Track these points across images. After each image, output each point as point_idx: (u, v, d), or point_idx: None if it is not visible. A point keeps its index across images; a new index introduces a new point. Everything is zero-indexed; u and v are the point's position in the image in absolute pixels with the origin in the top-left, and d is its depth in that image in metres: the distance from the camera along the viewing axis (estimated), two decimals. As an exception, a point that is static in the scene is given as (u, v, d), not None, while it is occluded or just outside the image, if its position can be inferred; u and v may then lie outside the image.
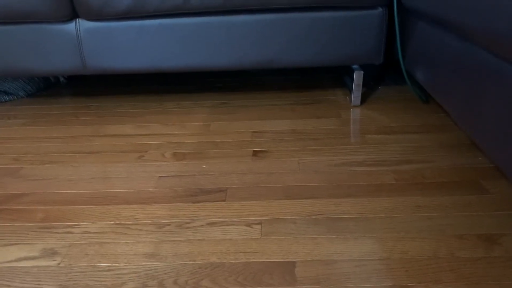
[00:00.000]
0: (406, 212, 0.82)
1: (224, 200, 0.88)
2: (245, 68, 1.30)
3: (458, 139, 1.09)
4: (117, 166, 1.04)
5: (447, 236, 0.75)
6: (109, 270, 0.70)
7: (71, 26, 1.23)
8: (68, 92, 1.60)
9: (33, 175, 1.01)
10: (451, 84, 0.90)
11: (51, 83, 1.66)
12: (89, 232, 0.80)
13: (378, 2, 1.18)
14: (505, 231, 0.75)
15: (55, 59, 1.26)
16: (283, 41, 1.23)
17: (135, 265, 0.71)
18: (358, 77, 1.28)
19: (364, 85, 1.31)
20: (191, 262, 0.71)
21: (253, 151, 1.08)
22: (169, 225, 0.81)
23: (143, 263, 0.71)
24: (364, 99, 1.37)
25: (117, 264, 0.71)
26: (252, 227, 0.79)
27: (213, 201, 0.88)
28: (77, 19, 1.22)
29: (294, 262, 0.70)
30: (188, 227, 0.80)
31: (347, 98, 1.39)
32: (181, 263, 0.71)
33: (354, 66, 1.31)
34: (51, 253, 0.75)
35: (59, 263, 0.72)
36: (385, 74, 1.60)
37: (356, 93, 1.31)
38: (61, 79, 1.69)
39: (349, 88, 1.37)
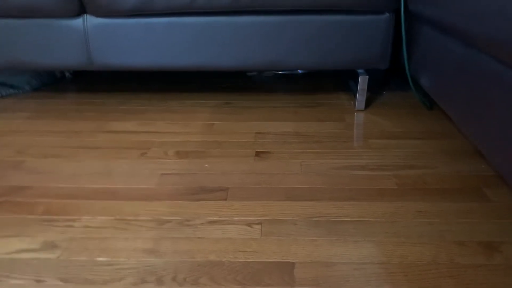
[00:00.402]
0: (407, 217, 0.81)
1: (225, 199, 0.88)
2: (250, 69, 1.30)
3: (461, 146, 1.09)
4: (119, 162, 1.04)
5: (447, 242, 0.74)
6: (108, 265, 0.70)
7: (78, 22, 1.23)
8: (73, 88, 1.61)
9: (36, 168, 1.02)
10: (455, 90, 0.90)
11: (57, 78, 1.66)
12: (90, 227, 0.80)
13: (386, 7, 1.18)
14: (506, 238, 0.75)
15: (62, 54, 1.26)
16: (289, 44, 1.23)
17: (134, 261, 0.71)
18: (363, 81, 1.28)
19: (368, 90, 1.31)
20: (190, 260, 0.71)
21: (256, 151, 1.08)
22: (169, 222, 0.81)
23: (143, 259, 0.71)
24: (368, 104, 1.36)
25: (116, 259, 0.71)
26: (252, 227, 0.79)
27: (214, 200, 0.88)
28: (85, 15, 1.23)
29: (293, 263, 0.70)
30: (188, 225, 0.80)
31: (351, 102, 1.39)
32: (180, 260, 0.71)
33: (359, 71, 1.31)
34: (51, 246, 0.75)
35: (58, 256, 0.72)
36: (390, 79, 1.60)
37: (361, 98, 1.31)
38: (67, 74, 1.70)
39: (353, 92, 1.37)
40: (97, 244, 0.75)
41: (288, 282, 0.66)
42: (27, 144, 1.14)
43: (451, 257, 0.71)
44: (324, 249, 0.73)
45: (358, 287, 0.65)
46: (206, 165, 1.02)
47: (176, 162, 1.03)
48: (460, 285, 0.65)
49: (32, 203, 0.88)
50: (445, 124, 1.22)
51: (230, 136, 1.17)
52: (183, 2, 1.17)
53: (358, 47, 1.23)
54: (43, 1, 1.19)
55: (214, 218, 0.82)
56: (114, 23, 1.22)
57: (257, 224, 0.80)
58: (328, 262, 0.70)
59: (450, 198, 0.87)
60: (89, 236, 0.77)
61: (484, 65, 0.76)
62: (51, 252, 0.74)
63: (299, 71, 1.70)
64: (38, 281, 0.67)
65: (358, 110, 1.33)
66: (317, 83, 1.60)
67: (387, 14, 1.19)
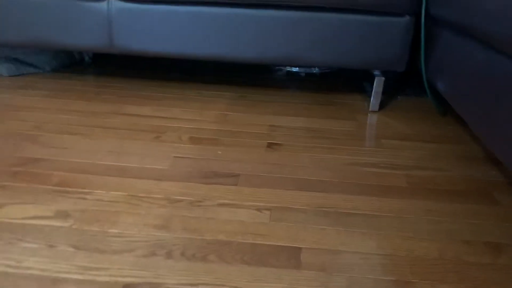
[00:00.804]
0: (416, 214, 0.82)
1: (236, 185, 0.89)
2: (268, 63, 1.31)
3: (473, 152, 1.09)
4: (134, 143, 1.05)
5: (454, 240, 0.75)
6: (119, 237, 0.72)
7: (103, 5, 1.25)
8: (92, 71, 1.63)
9: (52, 143, 1.04)
10: (473, 94, 0.91)
11: (76, 60, 1.69)
12: (102, 200, 0.82)
13: (407, 10, 1.19)
14: (513, 241, 0.75)
15: (84, 35, 1.28)
16: (308, 40, 1.24)
17: (145, 234, 0.72)
18: (378, 83, 1.29)
19: (383, 93, 1.32)
20: (199, 238, 0.72)
21: (268, 143, 1.09)
22: (181, 201, 0.82)
23: (153, 233, 0.73)
24: (382, 106, 1.37)
25: (127, 232, 0.73)
26: (261, 212, 0.80)
27: (225, 185, 0.89)
28: (110, -1, 1.25)
29: (300, 248, 0.71)
30: (199, 205, 0.81)
31: (365, 103, 1.40)
32: (189, 237, 0.72)
33: (376, 72, 1.32)
34: (64, 215, 0.77)
35: (71, 225, 0.74)
36: (404, 84, 1.60)
37: (375, 99, 1.32)
38: (86, 58, 1.72)
39: (368, 93, 1.38)
40: (108, 216, 0.77)
41: (294, 265, 0.67)
42: (44, 120, 1.16)
43: (458, 255, 0.71)
44: (332, 238, 0.74)
45: (363, 275, 0.66)
46: (219, 152, 1.03)
47: (190, 147, 1.05)
48: (464, 280, 0.65)
49: (47, 175, 0.90)
50: (458, 130, 1.22)
51: (244, 127, 1.18)
52: (207, -8, 1.19)
53: (376, 48, 1.23)
54: (70, -18, 1.22)
55: (225, 201, 0.83)
56: (138, 8, 1.24)
57: (267, 210, 0.81)
58: (335, 250, 0.71)
59: (460, 200, 0.87)
60: (101, 209, 0.79)
61: (506, 69, 0.76)
62: (64, 220, 0.75)
63: (316, 70, 1.71)
64: (50, 246, 0.69)
65: (371, 111, 1.33)
66: (332, 83, 1.61)
67: (407, 17, 1.20)
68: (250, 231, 0.75)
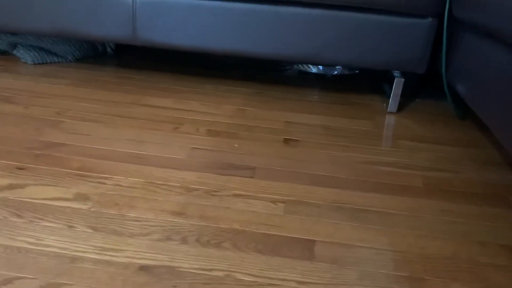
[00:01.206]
0: (431, 214, 0.82)
1: (252, 177, 0.90)
2: (287, 60, 1.32)
3: (491, 156, 1.08)
4: (153, 133, 1.07)
5: (469, 241, 0.75)
6: (136, 221, 0.73)
7: (128, -3, 1.28)
8: (114, 63, 1.66)
9: (73, 129, 1.06)
10: (496, 97, 0.90)
11: (99, 52, 1.72)
12: (121, 185, 0.83)
13: (430, 12, 1.19)
14: (529, 245, 0.74)
15: (109, 26, 1.31)
16: (329, 38, 1.25)
17: (161, 220, 0.74)
18: (398, 84, 1.29)
19: (402, 95, 1.31)
20: (214, 225, 0.73)
21: (284, 138, 1.10)
22: (197, 190, 0.83)
23: (169, 219, 0.74)
24: (400, 108, 1.37)
25: (144, 217, 0.74)
26: (276, 204, 0.81)
27: (241, 176, 0.90)
28: (134, -9, 1.27)
29: (314, 241, 0.72)
30: (215, 195, 0.82)
31: (384, 104, 1.39)
32: (205, 225, 0.73)
33: (395, 74, 1.32)
34: (83, 198, 0.79)
35: (90, 208, 0.76)
36: (424, 87, 1.60)
37: (394, 100, 1.32)
38: (108, 49, 1.75)
39: (387, 95, 1.37)
40: (127, 201, 0.78)
41: (307, 256, 0.68)
42: (67, 108, 1.19)
43: (472, 255, 0.71)
44: (346, 233, 0.74)
45: (375, 269, 0.66)
46: (236, 145, 1.04)
47: (207, 139, 1.06)
48: (478, 280, 0.65)
49: (68, 159, 0.92)
50: (477, 134, 1.22)
51: (261, 122, 1.19)
52: (230, -12, 1.20)
53: (397, 49, 1.23)
54: (97, -27, 1.24)
55: (240, 192, 0.84)
56: (162, 1, 1.26)
57: (282, 202, 0.82)
58: (349, 244, 0.71)
59: (475, 202, 0.87)
60: (120, 194, 0.81)
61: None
62: (83, 203, 0.77)
63: (335, 72, 1.71)
64: (69, 226, 0.71)
65: (390, 112, 1.33)
66: (351, 83, 1.61)
67: (430, 19, 1.20)
68: (265, 222, 0.75)
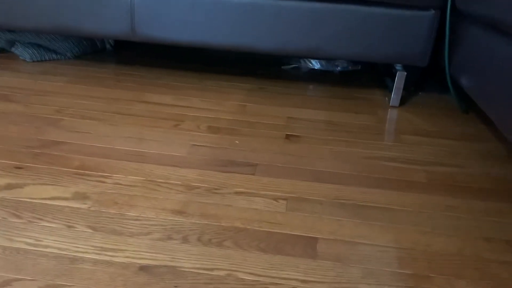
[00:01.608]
0: (435, 209, 0.81)
1: (253, 174, 0.89)
2: (289, 54, 1.31)
3: (495, 150, 1.07)
4: (153, 130, 1.06)
5: (474, 237, 0.74)
6: (136, 220, 0.72)
7: (126, -7, 1.26)
8: (113, 59, 1.65)
9: (73, 127, 1.05)
10: (501, 91, 0.89)
11: (98, 48, 1.70)
12: (121, 184, 0.82)
13: (432, 4, 1.17)
14: (535, 240, 0.73)
15: (107, 22, 1.29)
16: (331, 32, 1.23)
17: (162, 219, 0.73)
18: (400, 77, 1.27)
19: (404, 89, 1.30)
20: (216, 224, 0.72)
21: (286, 134, 1.09)
22: (198, 188, 0.82)
23: (170, 218, 0.73)
24: (403, 102, 1.35)
25: (144, 216, 0.73)
26: (278, 201, 0.80)
27: (242, 173, 0.89)
28: (133, -13, 1.26)
29: (316, 238, 0.71)
30: (216, 193, 0.81)
31: (386, 98, 1.38)
32: (206, 223, 0.72)
33: (397, 67, 1.30)
34: (83, 197, 0.78)
35: (89, 207, 0.75)
36: (426, 80, 1.58)
37: (396, 94, 1.30)
38: (107, 46, 1.74)
39: (389, 89, 1.36)
40: (126, 200, 0.77)
41: (310, 254, 0.67)
42: (66, 105, 1.18)
43: (477, 251, 0.70)
44: (349, 229, 0.73)
45: (379, 267, 0.65)
46: (237, 142, 1.03)
47: (208, 136, 1.05)
48: (484, 277, 0.64)
49: (67, 157, 0.91)
50: (480, 127, 1.20)
51: (262, 118, 1.18)
52: (230, -18, 1.18)
53: (399, 42, 1.22)
54: (94, -31, 1.23)
55: (241, 189, 0.83)
56: (160, -4, 1.25)
57: (283, 199, 0.81)
58: (352, 242, 0.70)
59: (480, 197, 0.86)
60: (120, 192, 0.80)
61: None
62: (82, 202, 0.76)
63: (338, 68, 1.68)
64: (69, 226, 0.70)
65: (392, 107, 1.32)
66: (353, 77, 1.60)
67: (432, 11, 1.18)
68: (267, 219, 0.74)
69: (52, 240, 0.67)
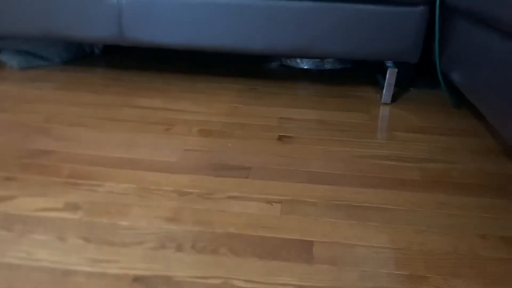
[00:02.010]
0: (429, 207, 0.81)
1: (246, 177, 0.88)
2: (280, 54, 1.30)
3: (488, 145, 1.07)
4: (144, 135, 1.05)
5: (469, 234, 0.73)
6: (129, 229, 0.71)
7: (112, -4, 1.25)
8: (102, 64, 1.63)
9: (62, 135, 1.04)
10: (492, 85, 0.89)
11: (86, 53, 1.69)
12: (113, 192, 0.81)
13: (421, 0, 1.17)
14: (530, 236, 0.73)
15: (95, 27, 1.28)
16: (321, 30, 1.22)
17: (155, 227, 0.72)
18: (391, 74, 1.27)
19: (396, 85, 1.29)
20: (210, 230, 0.72)
21: (279, 135, 1.08)
22: (191, 194, 0.82)
23: (163, 226, 0.72)
24: (394, 98, 1.35)
25: (137, 224, 0.72)
26: (272, 205, 0.79)
27: (236, 177, 0.88)
28: (119, -10, 1.25)
29: (312, 241, 0.70)
30: (209, 198, 0.80)
31: (378, 95, 1.38)
32: (200, 230, 0.71)
33: (388, 64, 1.30)
34: (74, 207, 0.76)
35: (81, 217, 0.74)
36: (417, 76, 1.58)
37: (388, 91, 1.30)
38: (96, 51, 1.72)
39: (381, 86, 1.36)
40: (119, 209, 0.76)
41: (306, 259, 0.66)
42: (55, 113, 1.16)
43: (473, 249, 0.70)
44: (344, 231, 0.73)
45: (376, 269, 0.65)
46: (229, 145, 1.02)
47: (200, 140, 1.04)
48: (481, 275, 0.64)
49: (58, 167, 0.90)
50: (473, 122, 1.20)
51: (254, 119, 1.17)
52: (217, -17, 1.17)
53: (389, 39, 1.21)
54: (80, -26, 1.21)
55: (235, 193, 0.82)
56: (147, -1, 1.24)
57: (278, 202, 0.80)
58: (347, 244, 0.70)
59: (474, 193, 0.86)
60: (112, 201, 0.79)
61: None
62: (73, 213, 0.75)
63: (325, 67, 1.68)
64: (60, 238, 0.69)
65: (384, 104, 1.31)
66: (345, 76, 1.59)
67: (421, 7, 1.18)
68: (261, 224, 0.74)
69: (44, 253, 0.65)
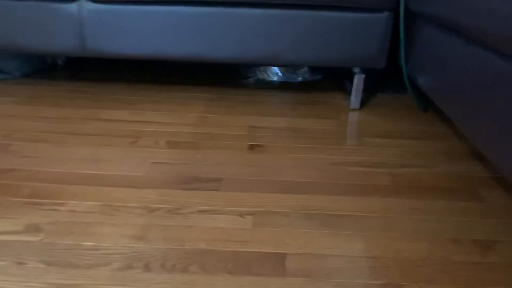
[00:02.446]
0: (401, 213, 0.80)
1: (217, 190, 0.86)
2: (247, 62, 1.29)
3: (457, 147, 1.08)
4: (109, 149, 1.01)
5: (442, 239, 0.73)
6: (94, 249, 0.68)
7: (73, 7, 1.20)
8: (64, 76, 1.58)
9: (23, 152, 0.99)
10: (456, 89, 0.90)
11: (48, 65, 1.63)
12: (76, 211, 0.77)
13: (385, 5, 1.18)
14: (501, 238, 0.74)
15: (56, 38, 1.23)
16: (286, 38, 1.22)
17: (121, 246, 0.69)
18: (358, 80, 1.27)
19: (363, 90, 1.30)
20: (179, 247, 0.69)
21: (249, 145, 1.07)
22: (159, 209, 0.79)
23: (130, 245, 0.69)
24: (363, 103, 1.35)
25: (103, 244, 0.69)
26: (244, 218, 0.77)
27: (206, 190, 0.86)
28: (80, 0, 1.20)
29: (285, 254, 0.68)
30: (178, 213, 0.78)
31: (347, 101, 1.38)
32: (169, 248, 0.69)
33: (355, 70, 1.30)
34: (34, 229, 0.72)
35: (42, 239, 0.70)
36: (384, 81, 1.59)
37: (356, 97, 1.30)
38: (59, 62, 1.67)
39: (348, 92, 1.36)
40: (83, 228, 0.73)
41: (279, 272, 0.64)
42: (15, 128, 1.11)
43: (446, 254, 0.69)
44: (317, 242, 0.71)
45: (351, 279, 0.63)
46: (198, 156, 1.00)
47: (167, 152, 1.01)
48: (455, 280, 0.64)
49: (18, 186, 0.85)
50: (440, 125, 1.22)
51: (223, 129, 1.15)
52: (181, -8, 1.15)
53: (355, 45, 1.22)
54: (37, -16, 1.17)
55: (205, 207, 0.80)
56: (110, 9, 1.20)
57: (249, 214, 0.78)
58: (321, 254, 0.68)
59: (445, 197, 0.86)
60: (75, 221, 0.75)
61: (489, 63, 0.75)
62: (34, 235, 0.71)
63: (299, 79, 1.65)
64: (19, 263, 0.65)
65: (353, 109, 1.32)
66: (313, 82, 1.59)
67: (386, 13, 1.19)
68: (233, 238, 0.72)
69: (1, 280, 0.61)
